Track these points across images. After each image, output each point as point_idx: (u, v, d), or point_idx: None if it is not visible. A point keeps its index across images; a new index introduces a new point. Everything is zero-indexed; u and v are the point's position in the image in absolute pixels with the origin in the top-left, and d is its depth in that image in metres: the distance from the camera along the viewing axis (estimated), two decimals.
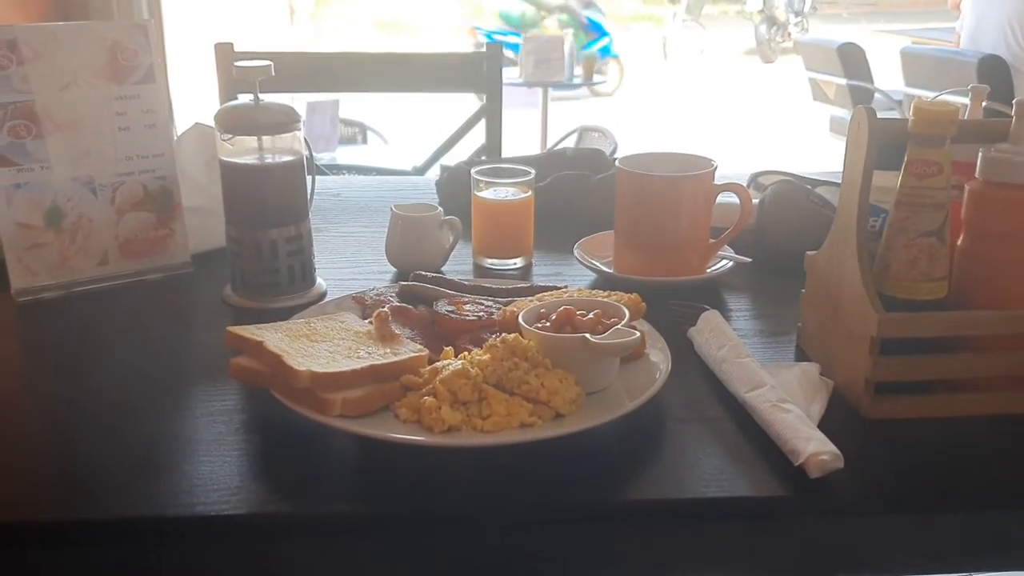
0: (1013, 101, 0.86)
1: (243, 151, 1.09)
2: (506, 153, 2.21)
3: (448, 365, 0.83)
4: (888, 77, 5.11)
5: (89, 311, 1.12)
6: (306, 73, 2.10)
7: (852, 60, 4.96)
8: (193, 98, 2.74)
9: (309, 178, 1.16)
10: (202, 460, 0.79)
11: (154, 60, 1.17)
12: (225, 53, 1.92)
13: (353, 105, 4.63)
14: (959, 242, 0.90)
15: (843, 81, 4.97)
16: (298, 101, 3.84)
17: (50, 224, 1.14)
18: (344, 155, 4.27)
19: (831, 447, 0.76)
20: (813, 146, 6.38)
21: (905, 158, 0.86)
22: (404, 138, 4.97)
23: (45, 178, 1.13)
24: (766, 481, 0.77)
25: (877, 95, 4.79)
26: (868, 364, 0.85)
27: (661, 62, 12.05)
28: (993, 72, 4.06)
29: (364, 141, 4.85)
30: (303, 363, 0.81)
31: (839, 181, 1.45)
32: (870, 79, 4.95)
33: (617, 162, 1.19)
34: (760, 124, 7.95)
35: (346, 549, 0.74)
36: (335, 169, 3.81)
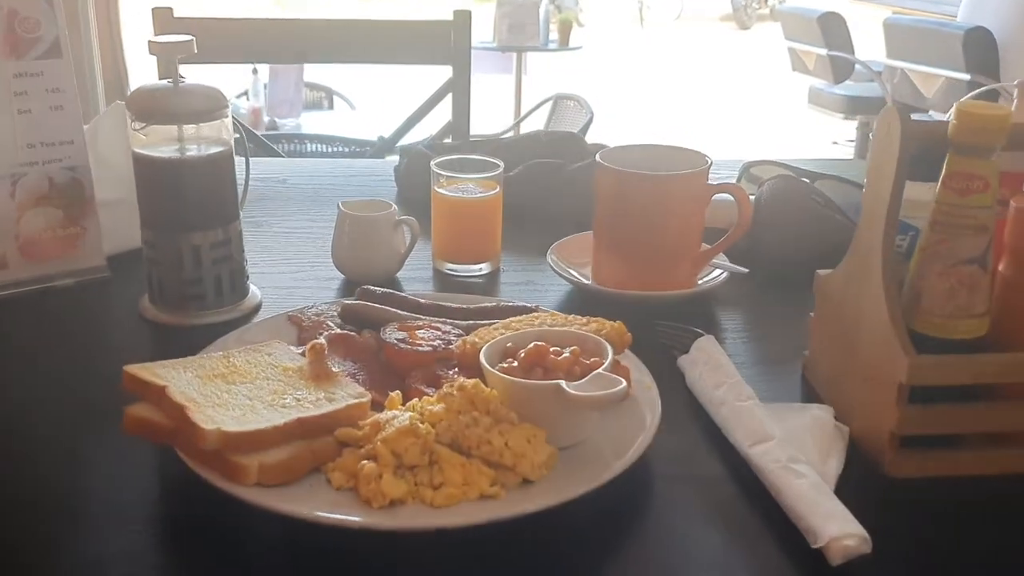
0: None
1: (160, 141, 0.93)
2: (476, 125, 2.06)
3: (393, 418, 0.69)
4: (870, 48, 4.97)
5: None
6: (264, 42, 1.91)
7: (833, 30, 4.80)
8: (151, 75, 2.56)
9: (242, 163, 1.00)
10: (91, 538, 0.64)
11: (60, 32, 1.01)
12: (164, 20, 1.73)
13: (319, 69, 4.42)
14: (1000, 268, 0.76)
15: (823, 52, 4.82)
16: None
17: None
18: (309, 121, 4.13)
19: (856, 527, 0.63)
20: (792, 119, 6.25)
21: (943, 170, 0.72)
22: (372, 104, 4.78)
23: None
24: (775, 567, 0.64)
25: (858, 67, 4.64)
26: (894, 415, 0.72)
27: (637, 27, 11.87)
28: (979, 45, 3.92)
29: (330, 107, 4.67)
30: (213, 417, 0.66)
31: (838, 173, 1.33)
32: (851, 50, 4.79)
33: (597, 156, 1.04)
34: (737, 93, 7.80)
35: None
36: (298, 138, 3.66)
